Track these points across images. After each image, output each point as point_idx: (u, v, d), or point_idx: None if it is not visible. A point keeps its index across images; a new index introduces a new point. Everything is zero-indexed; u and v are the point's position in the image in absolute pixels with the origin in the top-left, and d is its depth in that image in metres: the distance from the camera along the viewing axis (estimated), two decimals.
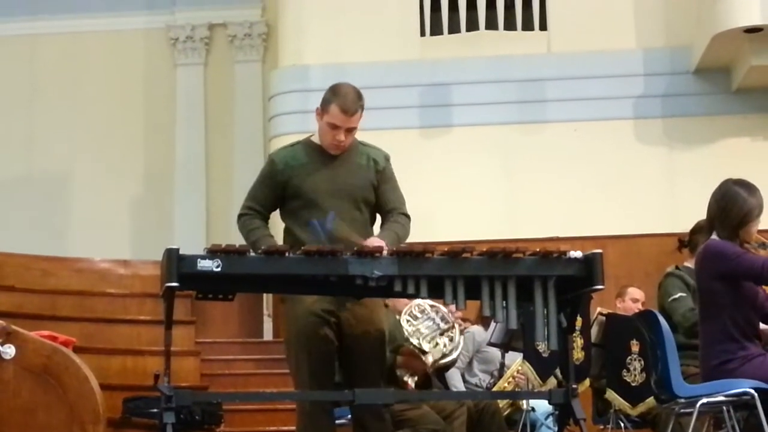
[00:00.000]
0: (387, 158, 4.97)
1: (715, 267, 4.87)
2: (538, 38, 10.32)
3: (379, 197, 4.90)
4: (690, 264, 5.96)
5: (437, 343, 6.23)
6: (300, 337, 4.74)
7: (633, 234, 9.72)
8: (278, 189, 4.85)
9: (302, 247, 4.42)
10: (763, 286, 4.97)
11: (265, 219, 4.92)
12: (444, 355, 6.23)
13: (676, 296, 5.98)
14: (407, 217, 4.94)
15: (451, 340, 6.38)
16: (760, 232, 5.07)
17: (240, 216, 4.91)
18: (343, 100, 4.77)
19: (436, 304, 6.31)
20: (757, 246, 5.00)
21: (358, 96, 4.82)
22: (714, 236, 4.96)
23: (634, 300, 7.59)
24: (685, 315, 5.87)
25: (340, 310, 4.77)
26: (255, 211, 4.89)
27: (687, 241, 6.20)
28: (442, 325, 6.28)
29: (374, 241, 4.58)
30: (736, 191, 4.94)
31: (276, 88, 10.74)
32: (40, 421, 4.82)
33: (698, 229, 5.91)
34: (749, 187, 4.97)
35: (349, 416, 5.13)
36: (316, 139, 4.92)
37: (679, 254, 6.54)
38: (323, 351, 4.74)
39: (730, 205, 4.92)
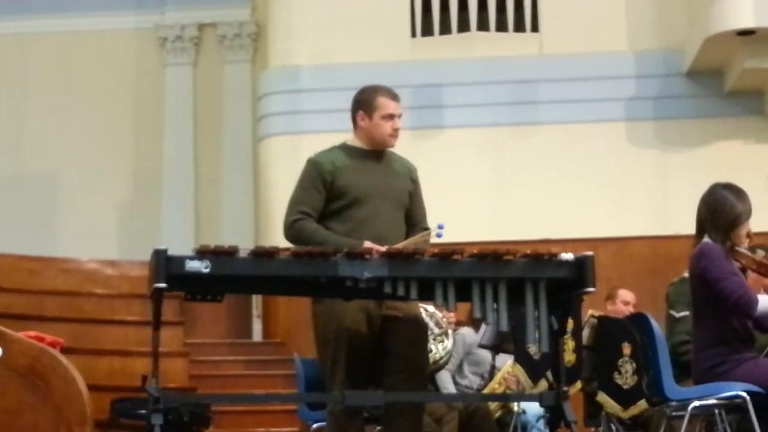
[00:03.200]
0: (416, 170, 5.06)
1: (701, 269, 4.86)
2: (530, 40, 10.32)
3: (411, 208, 4.96)
4: None
5: (430, 349, 6.21)
6: (341, 335, 4.69)
7: (624, 236, 9.72)
8: (325, 190, 4.82)
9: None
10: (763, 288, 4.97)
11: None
12: (435, 362, 6.21)
13: (678, 315, 5.94)
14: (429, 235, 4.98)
15: (444, 347, 6.37)
16: (756, 235, 5.05)
17: (294, 222, 4.79)
18: (384, 90, 4.93)
19: (431, 309, 6.29)
20: (748, 250, 4.98)
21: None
22: (707, 239, 4.94)
23: (624, 302, 7.57)
24: (675, 346, 5.80)
25: (381, 309, 4.74)
26: (308, 215, 4.80)
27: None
28: (436, 331, 6.26)
29: None
30: (724, 195, 4.94)
31: (265, 88, 10.72)
32: (26, 423, 4.78)
33: None
34: (737, 191, 4.97)
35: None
36: (352, 142, 4.97)
37: (672, 256, 6.51)
38: (362, 350, 4.70)
39: (719, 210, 4.91)
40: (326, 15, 10.41)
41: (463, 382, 7.30)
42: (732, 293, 4.76)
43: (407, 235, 4.90)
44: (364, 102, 4.91)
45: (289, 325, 9.73)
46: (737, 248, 4.91)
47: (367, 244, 4.54)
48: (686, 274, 6.04)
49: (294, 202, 4.85)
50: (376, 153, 4.93)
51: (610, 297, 7.64)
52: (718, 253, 4.85)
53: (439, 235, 4.84)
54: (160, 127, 11.63)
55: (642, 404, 5.61)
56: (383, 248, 4.46)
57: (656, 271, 6.27)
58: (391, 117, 4.87)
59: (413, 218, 4.97)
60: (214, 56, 11.84)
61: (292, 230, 4.79)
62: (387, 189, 4.86)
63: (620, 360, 5.73)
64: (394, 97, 4.90)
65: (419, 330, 4.86)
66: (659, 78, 10.13)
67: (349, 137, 5.02)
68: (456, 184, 9.89)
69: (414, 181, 5.00)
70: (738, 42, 9.38)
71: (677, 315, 5.95)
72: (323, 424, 6.25)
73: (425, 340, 4.96)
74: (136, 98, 11.78)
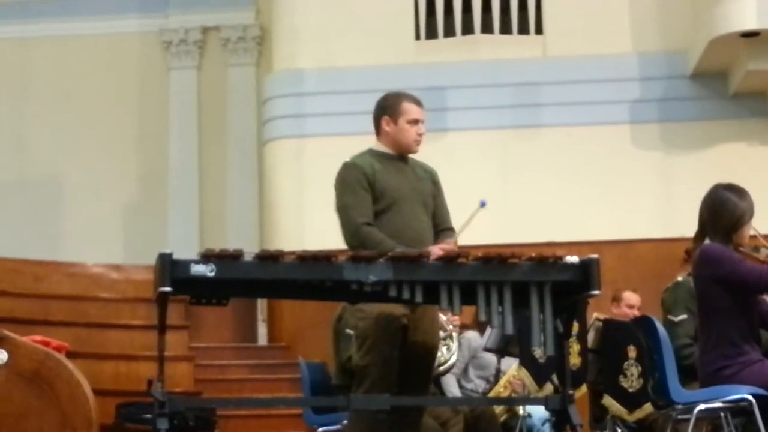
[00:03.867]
0: (437, 174, 5.16)
1: (712, 271, 4.84)
2: (534, 42, 10.31)
3: (435, 209, 5.05)
4: None
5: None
6: (379, 336, 4.75)
7: (629, 239, 9.71)
8: (371, 190, 4.88)
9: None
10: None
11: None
12: (440, 365, 6.21)
13: (677, 319, 5.92)
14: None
15: (449, 349, 6.36)
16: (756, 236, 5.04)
17: (361, 225, 4.79)
18: (409, 96, 5.04)
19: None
20: (751, 250, 4.98)
21: None
22: (707, 241, 4.93)
23: (629, 305, 7.56)
24: (678, 350, 5.77)
25: (411, 314, 4.80)
26: (369, 223, 4.83)
27: (693, 249, 6.12)
28: (441, 334, 6.25)
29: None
30: (726, 196, 4.93)
31: (270, 91, 10.72)
32: (32, 427, 4.80)
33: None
34: (739, 192, 4.96)
35: (345, 422, 5.10)
36: (379, 147, 5.03)
37: (677, 259, 6.49)
38: (394, 353, 4.76)
39: (721, 211, 4.90)
40: (330, 18, 10.41)
41: (469, 385, 7.29)
42: (749, 273, 4.75)
43: (434, 240, 4.95)
44: (389, 107, 4.99)
45: (295, 329, 9.73)
46: (741, 248, 4.90)
47: (440, 247, 4.63)
48: (680, 278, 6.05)
49: (350, 207, 4.85)
50: (402, 158, 5.02)
51: (615, 300, 7.63)
52: (722, 250, 4.84)
53: (483, 204, 5.13)
54: (165, 130, 11.64)
55: (647, 407, 5.61)
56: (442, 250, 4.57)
57: (661, 273, 6.24)
58: (416, 122, 4.97)
59: (437, 219, 5.05)
60: (218, 60, 11.84)
61: (359, 235, 4.78)
62: (417, 193, 4.96)
63: (626, 363, 5.73)
64: (418, 102, 5.02)
65: (434, 342, 4.97)
66: (663, 80, 10.12)
67: (373, 143, 5.07)
68: (460, 187, 9.78)
69: (435, 184, 5.09)
70: (742, 44, 9.37)
71: (676, 319, 5.93)
72: (328, 428, 6.27)
73: (435, 352, 5.04)
74: (141, 102, 11.79)
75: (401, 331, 4.78)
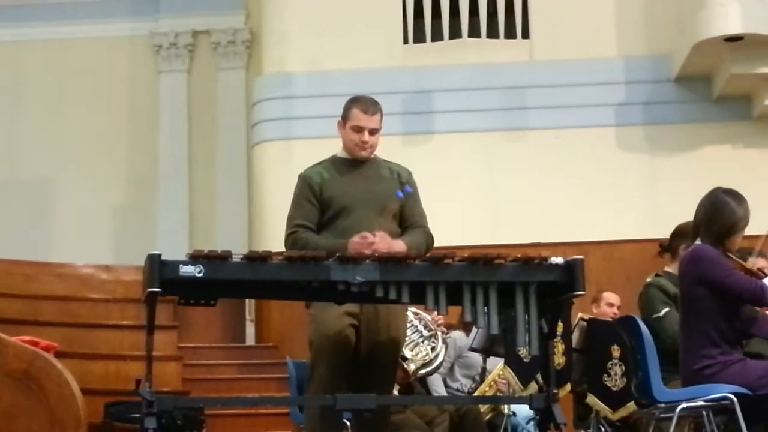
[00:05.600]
0: (410, 173, 5.14)
1: (701, 272, 4.86)
2: (521, 46, 10.37)
3: (404, 210, 5.02)
4: (671, 269, 5.92)
5: (419, 351, 6.26)
6: (327, 338, 4.75)
7: (614, 240, 9.77)
8: (317, 202, 4.93)
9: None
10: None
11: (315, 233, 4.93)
12: (425, 364, 6.26)
13: (661, 313, 5.93)
14: (431, 236, 5.05)
15: (434, 348, 6.40)
16: (747, 238, 5.07)
17: (289, 236, 4.90)
18: (361, 103, 5.03)
19: (420, 312, 6.33)
20: (739, 256, 5.01)
21: (374, 101, 5.09)
22: (698, 241, 4.97)
23: (609, 304, 7.61)
24: (674, 343, 5.78)
25: (362, 314, 4.82)
26: (304, 227, 4.91)
27: (668, 245, 6.18)
28: (425, 333, 6.31)
29: (395, 245, 4.67)
30: (725, 200, 4.94)
31: (259, 95, 10.75)
32: (21, 426, 4.82)
33: (679, 233, 5.89)
34: (738, 198, 4.97)
35: None
36: (340, 153, 5.09)
37: (660, 260, 6.54)
38: (346, 352, 4.77)
39: (718, 214, 4.92)
40: (319, 22, 10.45)
41: (454, 384, 7.34)
42: (742, 286, 4.79)
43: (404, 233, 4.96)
44: (344, 111, 5.06)
45: (282, 329, 9.76)
46: (729, 254, 4.92)
47: (356, 237, 4.64)
48: (649, 279, 6.06)
49: (289, 219, 4.97)
50: (360, 162, 5.04)
51: (595, 300, 7.68)
52: (715, 254, 4.87)
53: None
54: (155, 133, 11.66)
55: (631, 406, 5.63)
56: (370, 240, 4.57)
57: (646, 274, 6.26)
58: (359, 129, 4.98)
59: (407, 220, 5.02)
60: (208, 63, 11.87)
61: (288, 243, 4.88)
62: (369, 197, 4.93)
63: (609, 362, 5.75)
64: (366, 110, 5.01)
65: (395, 339, 4.93)
66: (648, 84, 10.17)
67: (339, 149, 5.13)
68: (447, 189, 9.92)
69: (404, 184, 5.05)
70: (726, 48, 9.43)
71: (660, 314, 5.92)
72: None
73: (398, 349, 5.02)
74: (131, 105, 11.81)
75: (348, 337, 4.77)
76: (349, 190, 4.93)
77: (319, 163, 5.09)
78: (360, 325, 4.82)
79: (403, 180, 5.07)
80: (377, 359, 4.85)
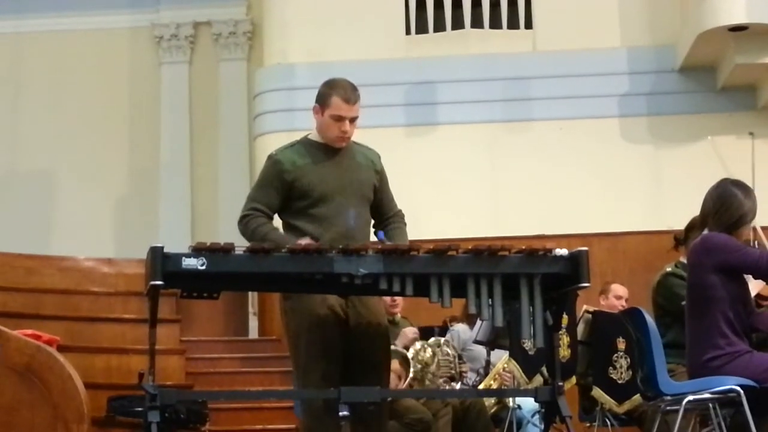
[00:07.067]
0: (379, 156, 4.99)
1: (715, 259, 4.82)
2: (524, 37, 10.33)
3: (380, 199, 4.92)
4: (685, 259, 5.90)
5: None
6: (313, 331, 4.67)
7: (619, 231, 9.75)
8: (285, 189, 4.79)
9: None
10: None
11: (270, 219, 4.85)
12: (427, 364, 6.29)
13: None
14: (404, 219, 5.00)
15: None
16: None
17: (243, 217, 4.82)
18: (342, 91, 4.80)
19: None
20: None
21: (354, 87, 4.87)
22: (706, 231, 4.94)
23: (617, 297, 7.58)
24: None
25: (347, 306, 4.74)
26: (259, 211, 4.80)
27: (683, 239, 6.13)
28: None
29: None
30: (733, 192, 4.92)
31: (261, 86, 10.73)
32: (23, 420, 4.81)
33: (693, 226, 5.87)
34: (746, 190, 4.96)
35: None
36: (314, 137, 4.90)
37: (666, 252, 6.51)
38: (335, 345, 4.69)
39: (726, 206, 4.89)
40: (321, 13, 10.42)
41: None
42: (759, 254, 4.79)
43: (376, 226, 4.93)
44: (321, 95, 4.85)
45: None
46: None
47: (303, 240, 4.54)
48: (669, 269, 6.02)
49: (249, 199, 4.87)
50: (335, 147, 4.87)
51: (603, 292, 7.66)
52: (725, 236, 4.84)
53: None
54: (156, 125, 11.65)
55: (637, 399, 5.63)
56: (313, 243, 4.49)
57: (650, 265, 6.25)
58: (340, 119, 4.79)
59: (382, 208, 4.95)
60: (209, 54, 11.85)
61: (240, 225, 4.82)
62: (349, 184, 4.80)
63: (615, 355, 5.75)
64: (348, 100, 4.79)
65: (383, 326, 4.86)
66: (652, 74, 10.14)
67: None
68: (450, 180, 9.92)
69: (379, 172, 4.93)
70: (730, 38, 9.40)
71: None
72: None
73: (387, 344, 4.95)
74: (132, 97, 11.80)
75: (337, 315, 4.69)
76: (326, 179, 4.77)
77: (291, 145, 4.90)
78: (348, 319, 4.73)
79: (377, 168, 4.92)
80: (369, 346, 4.75)
